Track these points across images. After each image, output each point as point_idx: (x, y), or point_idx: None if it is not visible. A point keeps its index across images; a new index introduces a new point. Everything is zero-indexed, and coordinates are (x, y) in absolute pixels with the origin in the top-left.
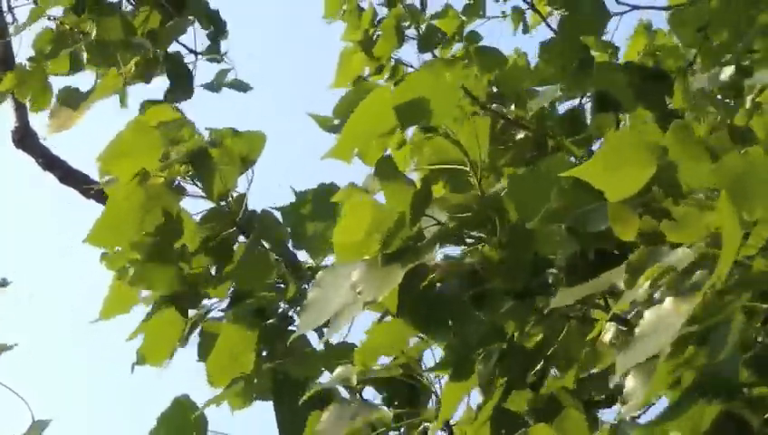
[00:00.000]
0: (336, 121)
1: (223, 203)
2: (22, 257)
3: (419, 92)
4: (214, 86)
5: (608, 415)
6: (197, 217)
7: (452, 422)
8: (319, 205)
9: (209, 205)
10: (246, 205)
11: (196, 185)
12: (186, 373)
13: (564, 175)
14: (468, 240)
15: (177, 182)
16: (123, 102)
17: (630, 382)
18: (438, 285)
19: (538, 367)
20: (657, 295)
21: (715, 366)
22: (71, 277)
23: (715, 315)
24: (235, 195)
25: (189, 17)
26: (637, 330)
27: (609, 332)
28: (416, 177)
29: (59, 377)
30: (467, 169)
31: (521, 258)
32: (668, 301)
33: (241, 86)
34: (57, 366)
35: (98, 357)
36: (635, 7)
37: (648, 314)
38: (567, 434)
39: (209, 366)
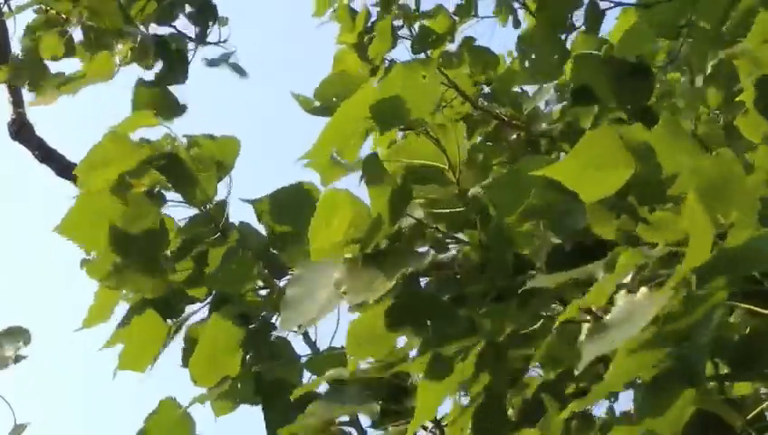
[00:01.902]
0: (317, 103)
1: (204, 209)
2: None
3: (395, 92)
4: (215, 62)
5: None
6: (181, 223)
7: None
8: (290, 207)
9: (192, 211)
10: (227, 211)
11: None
12: (173, 375)
13: (537, 174)
14: (448, 241)
15: (157, 190)
16: None
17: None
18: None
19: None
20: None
21: (683, 356)
22: (64, 275)
23: (694, 312)
24: (215, 201)
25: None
26: (607, 318)
27: (585, 331)
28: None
29: (43, 379)
30: (446, 167)
31: (501, 259)
32: (642, 291)
33: (239, 70)
34: (41, 368)
35: (83, 357)
36: (618, 4)
37: (620, 302)
38: None
39: (192, 367)
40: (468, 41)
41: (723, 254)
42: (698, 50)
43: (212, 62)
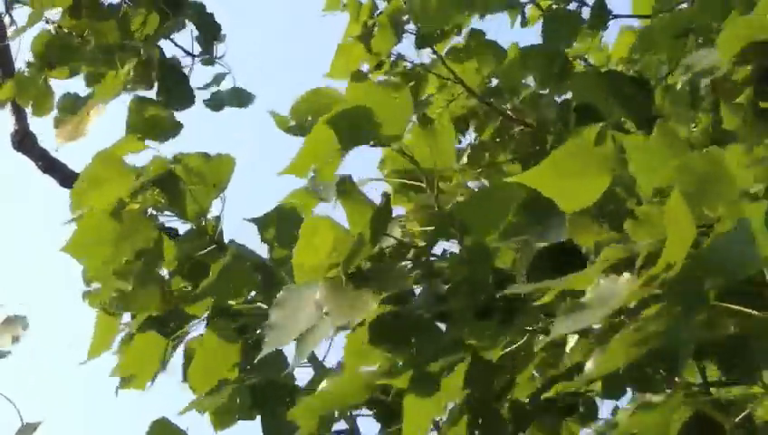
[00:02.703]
0: (292, 123)
1: (200, 224)
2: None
3: (361, 104)
4: (217, 103)
5: None
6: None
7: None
8: (281, 228)
9: (187, 227)
10: (221, 227)
11: (172, 210)
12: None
13: (512, 180)
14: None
15: (150, 210)
16: None
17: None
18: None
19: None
20: None
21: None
22: (66, 282)
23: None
24: (210, 217)
25: (184, 19)
26: (584, 298)
27: (571, 341)
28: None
29: (48, 380)
30: (423, 184)
31: (481, 275)
32: (624, 275)
33: (242, 100)
34: (47, 370)
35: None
36: (616, 16)
37: (601, 282)
38: None
39: (191, 377)
40: (476, 34)
41: (699, 258)
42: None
43: (214, 105)
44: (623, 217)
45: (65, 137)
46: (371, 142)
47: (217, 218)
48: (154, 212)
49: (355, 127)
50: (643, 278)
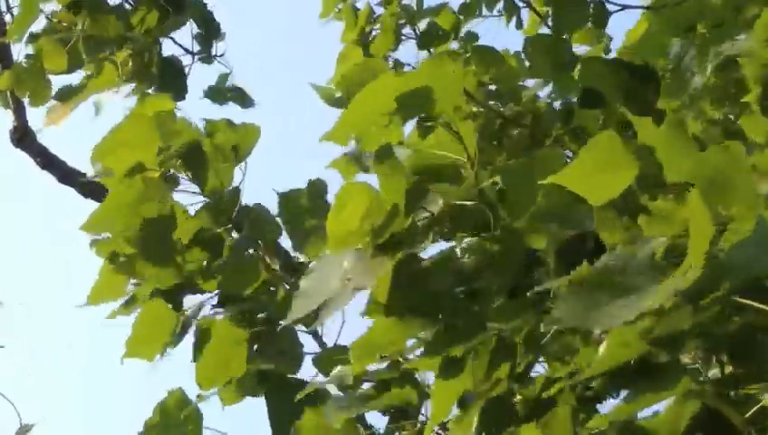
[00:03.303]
0: (338, 94)
1: (217, 198)
2: (17, 257)
3: (423, 83)
4: (215, 95)
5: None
6: (192, 211)
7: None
8: (313, 201)
9: (203, 199)
10: (240, 199)
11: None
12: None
13: (546, 182)
14: (462, 235)
15: (170, 173)
16: (98, 111)
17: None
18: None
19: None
20: None
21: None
22: (65, 277)
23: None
24: (229, 189)
25: (185, 17)
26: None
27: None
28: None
29: (49, 380)
30: (465, 161)
31: (512, 255)
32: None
33: (244, 101)
34: (45, 368)
35: (84, 358)
36: (625, 6)
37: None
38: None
39: (199, 370)
40: (472, 38)
41: (716, 266)
42: (702, 50)
43: (215, 97)
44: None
45: (49, 123)
46: (423, 115)
47: (237, 190)
48: (177, 176)
49: (415, 101)
50: (673, 280)
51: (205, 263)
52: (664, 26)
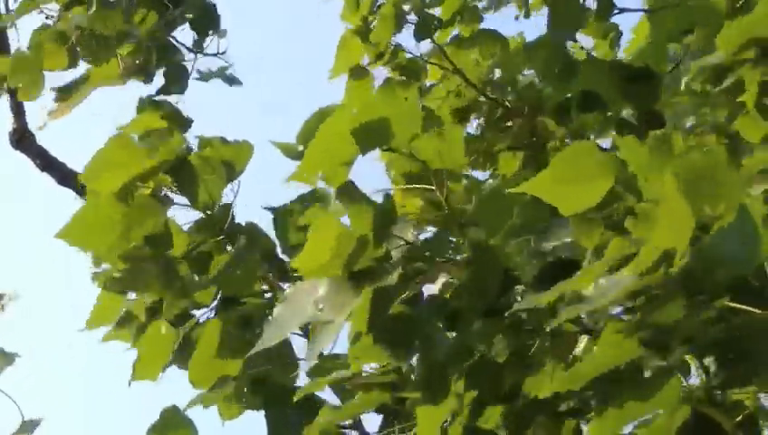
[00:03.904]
0: (300, 148)
1: (210, 213)
2: (18, 259)
3: (378, 115)
4: (207, 75)
5: None
6: (186, 226)
7: None
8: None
9: (197, 214)
10: (233, 215)
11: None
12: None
13: (515, 191)
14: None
15: (163, 193)
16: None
17: None
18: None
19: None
20: None
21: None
22: (67, 278)
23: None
24: (221, 204)
25: (186, 14)
26: (587, 292)
27: (580, 344)
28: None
29: (49, 378)
30: (433, 187)
31: (488, 276)
32: (624, 270)
33: (231, 80)
34: (48, 367)
35: (83, 357)
36: (623, 9)
37: (602, 280)
38: None
39: (192, 369)
40: (474, 16)
41: (701, 251)
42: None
43: (204, 77)
44: (623, 215)
45: (50, 118)
46: (383, 147)
47: (228, 206)
48: (169, 194)
49: (371, 135)
50: (643, 267)
51: (198, 277)
52: (661, 29)
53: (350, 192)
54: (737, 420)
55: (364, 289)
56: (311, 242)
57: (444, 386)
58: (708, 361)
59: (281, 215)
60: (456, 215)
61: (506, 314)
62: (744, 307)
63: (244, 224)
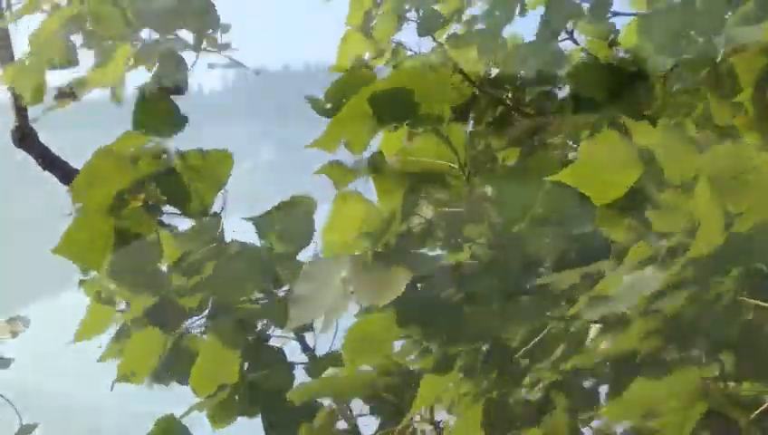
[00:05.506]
0: (328, 105)
1: (204, 219)
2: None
3: (402, 84)
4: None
5: None
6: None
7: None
8: (288, 221)
9: (189, 223)
10: (222, 224)
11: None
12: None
13: (550, 179)
14: (458, 240)
15: (152, 203)
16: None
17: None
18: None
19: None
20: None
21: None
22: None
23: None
24: (211, 213)
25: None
26: (612, 291)
27: (592, 332)
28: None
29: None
30: (456, 167)
31: (510, 260)
32: (648, 269)
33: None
34: (45, 368)
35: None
36: (616, 14)
37: (626, 278)
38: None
39: (193, 378)
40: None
41: (734, 241)
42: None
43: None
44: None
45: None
46: (408, 122)
47: (217, 215)
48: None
49: (393, 104)
50: (680, 262)
51: (190, 284)
52: (653, 32)
53: (381, 165)
54: (752, 416)
55: (401, 273)
56: (334, 217)
57: (451, 359)
58: (725, 355)
59: (262, 223)
60: (476, 199)
61: (528, 296)
62: (761, 303)
63: (230, 241)
